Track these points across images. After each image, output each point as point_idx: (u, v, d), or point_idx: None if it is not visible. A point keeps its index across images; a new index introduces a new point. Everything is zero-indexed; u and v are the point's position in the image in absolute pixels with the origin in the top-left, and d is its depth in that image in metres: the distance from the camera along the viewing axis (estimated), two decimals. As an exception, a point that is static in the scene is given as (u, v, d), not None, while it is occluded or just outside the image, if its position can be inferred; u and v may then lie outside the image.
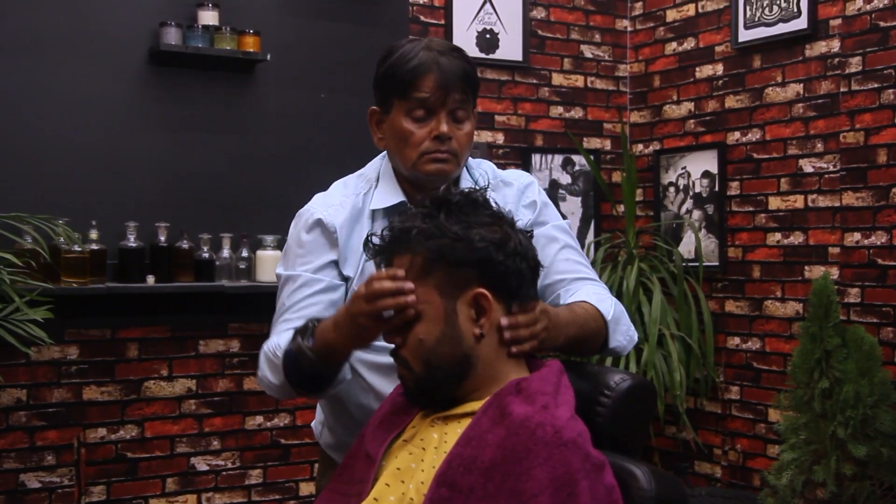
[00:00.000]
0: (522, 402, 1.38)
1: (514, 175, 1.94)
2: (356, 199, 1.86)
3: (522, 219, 1.80)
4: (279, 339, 1.76)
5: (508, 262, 1.45)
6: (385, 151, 1.90)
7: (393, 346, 1.51)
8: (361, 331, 1.54)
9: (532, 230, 1.62)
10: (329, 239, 1.83)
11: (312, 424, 2.09)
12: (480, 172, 1.92)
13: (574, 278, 1.85)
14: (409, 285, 1.45)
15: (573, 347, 1.69)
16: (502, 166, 2.03)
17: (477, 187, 1.52)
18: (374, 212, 1.85)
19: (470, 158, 1.92)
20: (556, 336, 1.58)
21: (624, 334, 1.80)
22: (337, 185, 1.92)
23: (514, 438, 1.33)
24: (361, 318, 1.51)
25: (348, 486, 1.50)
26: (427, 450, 1.43)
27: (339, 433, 1.95)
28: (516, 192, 1.91)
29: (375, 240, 1.53)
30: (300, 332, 1.66)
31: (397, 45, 1.82)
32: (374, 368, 1.83)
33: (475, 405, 1.43)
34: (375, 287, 1.47)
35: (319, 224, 1.83)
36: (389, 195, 1.85)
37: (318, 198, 1.89)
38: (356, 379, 1.84)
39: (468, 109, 1.81)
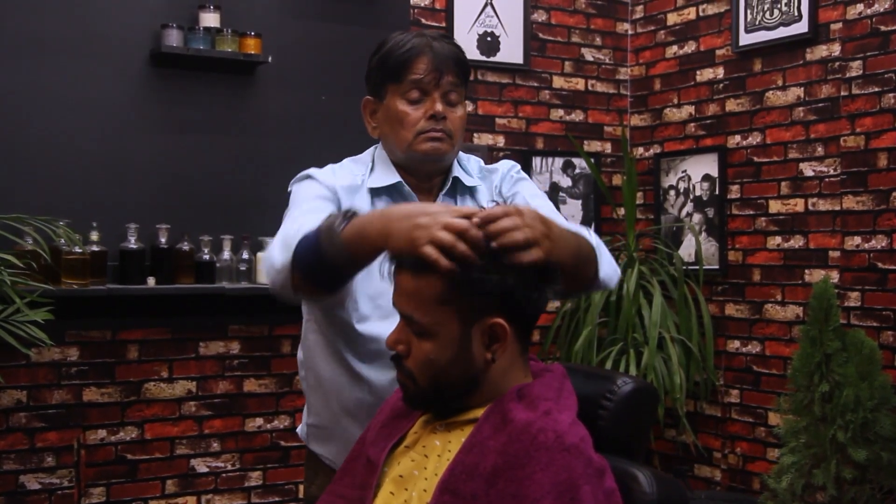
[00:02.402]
0: (524, 408, 1.38)
1: (499, 164, 2.00)
2: (353, 177, 1.89)
3: (507, 192, 1.89)
4: (303, 224, 1.64)
5: (532, 295, 1.42)
6: (378, 143, 1.93)
7: (393, 350, 1.48)
8: (409, 244, 1.41)
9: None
10: (330, 193, 1.84)
11: (298, 429, 2.06)
12: (471, 166, 1.97)
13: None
14: (475, 259, 1.38)
15: (574, 271, 1.64)
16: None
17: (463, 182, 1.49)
18: (371, 190, 1.87)
19: (461, 153, 1.95)
20: (563, 244, 1.51)
21: (609, 264, 1.80)
22: (331, 165, 1.94)
23: (515, 444, 1.33)
24: (424, 236, 1.39)
25: (349, 490, 1.50)
26: (430, 457, 1.42)
27: (328, 428, 1.93)
28: (501, 175, 1.96)
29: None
30: (336, 214, 1.58)
31: (390, 36, 1.87)
32: (366, 357, 1.82)
33: (478, 412, 1.42)
34: (464, 224, 1.38)
35: (318, 181, 1.86)
36: (385, 176, 1.88)
37: (313, 169, 1.92)
38: (349, 371, 1.84)
39: (461, 94, 1.85)
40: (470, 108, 4.25)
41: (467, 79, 1.88)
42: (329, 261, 1.55)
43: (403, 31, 1.87)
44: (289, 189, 1.93)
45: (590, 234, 1.77)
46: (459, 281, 1.37)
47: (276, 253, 1.65)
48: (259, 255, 3.66)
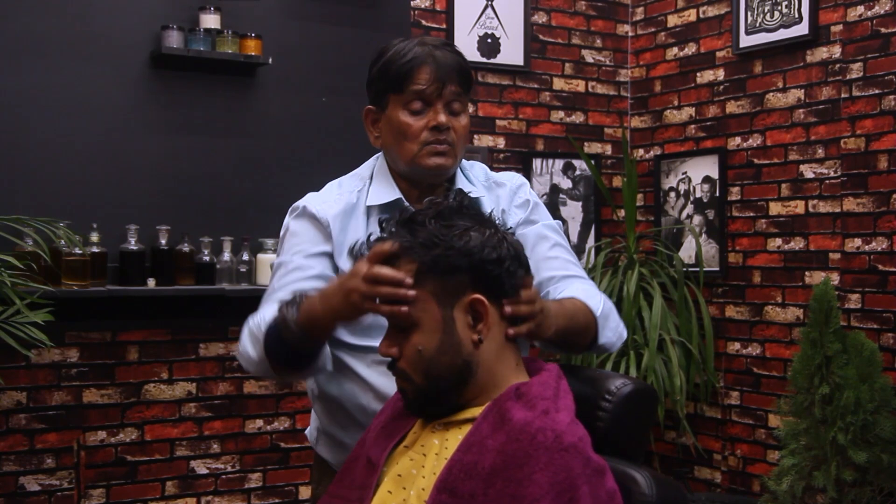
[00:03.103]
0: (522, 408, 1.37)
1: (507, 176, 1.96)
2: (350, 195, 1.87)
3: (515, 218, 1.86)
4: (265, 313, 1.75)
5: (502, 265, 1.44)
6: (380, 152, 1.92)
7: (390, 359, 1.49)
8: (350, 307, 1.51)
9: (514, 230, 1.66)
10: (321, 230, 1.83)
11: (307, 431, 2.06)
12: (474, 174, 1.94)
13: (564, 276, 1.86)
14: (409, 281, 1.42)
15: (563, 341, 1.69)
16: (503, 171, 2.04)
17: (465, 191, 1.51)
18: (369, 208, 1.85)
19: (463, 160, 1.93)
20: (547, 326, 1.56)
21: (613, 330, 1.80)
22: (331, 185, 1.93)
23: (514, 444, 1.33)
24: (355, 294, 1.48)
25: (349, 491, 1.50)
26: (428, 456, 1.42)
27: (337, 437, 1.91)
28: (509, 192, 1.93)
29: (365, 249, 1.50)
30: (287, 303, 1.64)
31: (390, 44, 1.84)
32: (373, 365, 1.80)
33: (476, 411, 1.42)
34: (378, 271, 1.45)
35: (310, 216, 1.85)
36: (385, 192, 1.85)
37: (310, 195, 1.91)
38: (354, 378, 1.83)
39: (464, 102, 1.83)
40: (470, 109, 4.24)
41: (470, 87, 1.85)
42: (295, 347, 1.65)
43: (404, 39, 1.85)
44: (285, 223, 1.92)
45: (600, 303, 1.78)
46: (427, 262, 1.42)
47: (249, 347, 1.76)
48: (259, 256, 3.66)
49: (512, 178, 1.96)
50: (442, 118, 1.78)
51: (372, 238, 1.51)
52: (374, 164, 1.92)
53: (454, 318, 1.42)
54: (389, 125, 1.83)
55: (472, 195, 1.86)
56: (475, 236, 1.43)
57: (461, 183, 1.88)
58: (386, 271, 1.43)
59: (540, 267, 1.83)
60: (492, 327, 1.44)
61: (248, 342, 1.76)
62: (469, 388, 1.44)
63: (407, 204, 1.82)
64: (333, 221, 1.82)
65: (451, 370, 1.43)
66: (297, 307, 1.61)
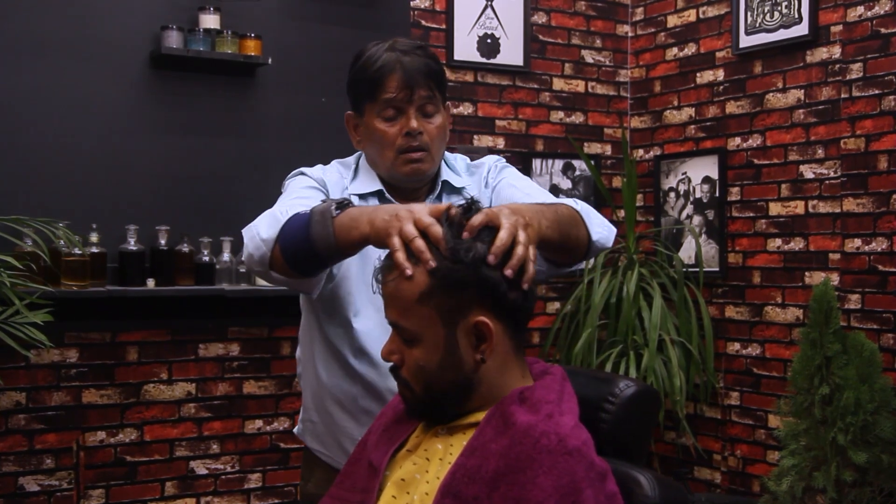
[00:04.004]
0: (526, 411, 1.37)
1: (484, 158, 2.04)
2: (340, 178, 1.94)
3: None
4: (293, 205, 1.72)
5: (504, 286, 1.39)
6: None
7: (391, 363, 1.47)
8: (384, 232, 1.45)
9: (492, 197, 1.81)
10: (321, 186, 1.90)
11: (295, 430, 2.08)
12: (458, 165, 2.00)
13: None
14: (433, 264, 1.37)
15: (565, 240, 1.65)
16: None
17: (472, 199, 1.47)
18: (353, 195, 1.90)
19: (446, 153, 1.97)
20: (539, 223, 1.52)
21: (601, 226, 1.79)
22: (320, 165, 1.99)
23: (518, 447, 1.32)
24: (395, 226, 1.42)
25: (350, 493, 1.49)
26: (431, 461, 1.42)
27: (321, 423, 1.95)
28: (487, 167, 2.00)
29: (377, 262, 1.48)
30: (337, 199, 1.63)
31: (364, 49, 1.88)
32: (360, 353, 1.84)
33: (479, 415, 1.41)
34: (431, 227, 1.38)
35: (308, 175, 1.93)
36: (367, 184, 1.91)
37: (303, 168, 1.98)
38: (343, 366, 1.86)
39: (436, 104, 1.87)
40: (470, 109, 4.25)
41: (443, 86, 1.89)
42: (314, 243, 1.59)
43: (378, 42, 1.88)
44: (282, 187, 1.99)
45: (575, 203, 1.78)
46: (434, 277, 1.37)
47: (263, 226, 1.69)
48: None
49: (488, 158, 2.03)
50: (413, 124, 1.83)
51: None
52: (358, 159, 1.98)
53: (457, 339, 1.39)
54: (367, 132, 1.88)
55: (456, 185, 1.94)
56: (482, 248, 1.38)
57: (446, 175, 1.95)
58: (435, 228, 1.39)
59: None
60: (496, 345, 1.40)
61: (265, 221, 1.70)
62: (471, 400, 1.43)
63: (388, 196, 1.90)
64: (330, 186, 1.91)
65: (452, 385, 1.41)
66: (343, 208, 1.59)
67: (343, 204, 1.61)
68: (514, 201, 1.76)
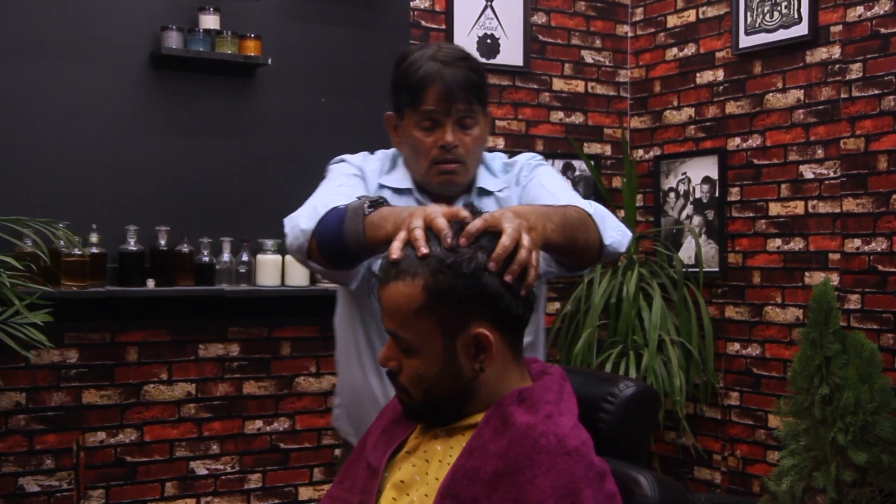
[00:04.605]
0: (525, 412, 1.36)
1: (519, 156, 2.06)
2: (380, 168, 1.99)
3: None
4: (334, 197, 1.77)
5: (509, 289, 1.38)
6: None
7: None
8: (393, 232, 1.46)
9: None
10: (361, 173, 1.96)
11: (332, 422, 2.13)
12: (495, 165, 2.02)
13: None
14: (425, 251, 1.37)
15: (570, 245, 1.64)
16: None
17: (471, 205, 1.46)
18: (383, 186, 1.94)
19: (485, 153, 2.00)
20: (543, 226, 1.49)
21: (615, 230, 1.78)
22: (363, 153, 2.05)
23: (516, 448, 1.32)
24: (408, 223, 1.41)
25: (350, 494, 1.49)
26: (431, 462, 1.42)
27: (349, 406, 2.01)
28: (519, 166, 2.01)
29: (375, 267, 1.49)
30: (371, 197, 1.66)
31: (408, 52, 1.90)
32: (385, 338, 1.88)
33: (479, 416, 1.41)
34: (439, 224, 1.38)
35: (348, 163, 1.99)
36: (401, 180, 1.95)
37: (346, 155, 2.03)
38: (370, 348, 1.91)
39: (475, 116, 1.88)
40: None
41: (483, 99, 1.90)
42: (346, 238, 1.65)
43: (423, 47, 1.89)
44: (325, 171, 2.03)
45: (590, 206, 1.77)
46: (434, 289, 1.35)
47: (304, 217, 1.77)
48: (259, 257, 3.66)
49: (523, 156, 2.05)
50: (449, 137, 1.84)
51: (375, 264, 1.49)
52: (398, 155, 2.01)
53: (456, 350, 1.38)
54: (405, 136, 1.91)
55: (490, 189, 1.96)
56: (482, 258, 1.36)
57: (482, 181, 1.96)
58: (439, 222, 1.39)
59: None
60: (496, 353, 1.39)
61: (307, 212, 1.77)
62: (470, 404, 1.42)
63: (418, 196, 1.92)
64: (368, 174, 1.96)
65: (451, 392, 1.40)
66: (375, 207, 1.63)
67: (377, 202, 1.64)
68: (540, 201, 1.79)
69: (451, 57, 1.85)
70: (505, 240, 1.37)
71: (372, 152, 2.03)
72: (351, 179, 1.93)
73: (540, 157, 2.06)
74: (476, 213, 1.43)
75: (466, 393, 1.41)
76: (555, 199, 1.81)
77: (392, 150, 2.02)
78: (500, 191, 1.97)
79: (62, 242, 3.12)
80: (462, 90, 1.83)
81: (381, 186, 1.93)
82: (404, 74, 1.86)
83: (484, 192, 1.96)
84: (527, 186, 1.96)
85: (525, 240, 1.38)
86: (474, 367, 1.39)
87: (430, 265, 1.36)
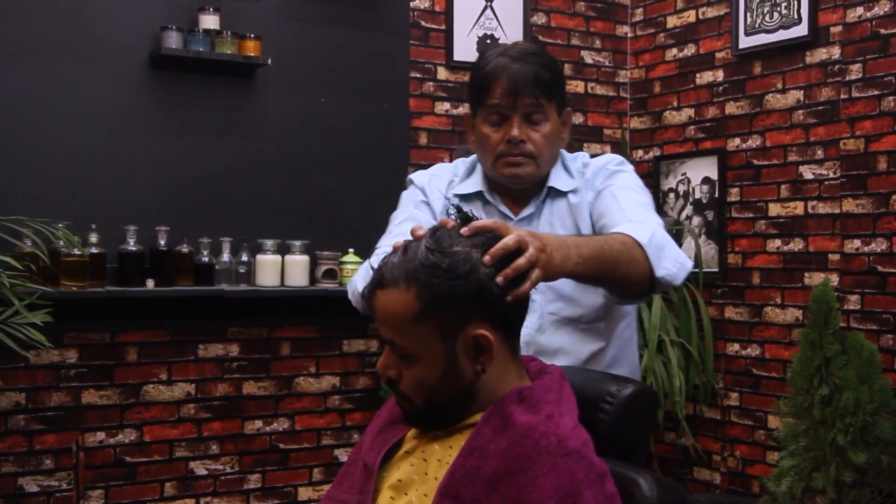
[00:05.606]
0: (525, 411, 1.36)
1: (601, 157, 2.02)
2: (448, 180, 2.03)
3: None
4: (384, 251, 1.76)
5: (503, 299, 1.37)
6: None
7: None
8: None
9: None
10: (422, 194, 2.01)
11: None
12: (574, 166, 2.00)
13: (620, 223, 1.78)
14: (421, 233, 1.41)
15: (604, 275, 1.61)
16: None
17: (466, 210, 1.43)
18: (456, 195, 1.96)
19: (566, 152, 2.00)
20: (556, 262, 1.45)
21: (672, 261, 1.70)
22: (439, 165, 2.11)
23: (517, 448, 1.32)
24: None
25: (348, 495, 1.49)
26: (429, 461, 1.41)
27: None
28: (594, 170, 1.98)
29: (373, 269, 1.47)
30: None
31: (485, 50, 1.98)
32: None
33: (478, 416, 1.41)
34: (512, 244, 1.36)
35: (413, 184, 2.05)
36: (471, 185, 1.98)
37: (415, 173, 2.09)
38: None
39: (544, 112, 1.88)
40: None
41: (554, 93, 1.89)
42: None
43: (496, 45, 1.95)
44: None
45: (648, 234, 1.69)
46: (430, 294, 1.34)
47: (360, 278, 1.84)
48: (258, 257, 3.66)
49: (602, 158, 2.01)
50: (515, 132, 1.86)
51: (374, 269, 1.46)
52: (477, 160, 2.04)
53: (457, 352, 1.37)
54: (477, 132, 1.93)
55: (563, 190, 1.94)
56: (476, 256, 1.35)
57: (554, 180, 1.95)
58: (422, 232, 1.41)
59: (604, 226, 1.83)
60: (496, 354, 1.38)
61: (362, 274, 1.83)
62: (471, 408, 1.42)
63: (489, 197, 1.95)
64: (429, 189, 2.01)
65: (452, 396, 1.39)
66: None
67: None
68: (609, 214, 1.80)
69: (521, 52, 1.87)
70: (508, 240, 1.36)
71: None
72: (414, 210, 1.97)
73: (621, 160, 2.00)
74: (471, 217, 1.41)
75: (468, 395, 1.40)
76: (624, 214, 1.79)
77: (473, 157, 2.03)
78: (572, 191, 1.94)
79: (62, 242, 3.12)
80: (528, 85, 1.84)
81: (448, 198, 1.96)
82: (475, 70, 1.90)
83: (556, 193, 1.94)
84: (601, 194, 1.92)
85: (531, 252, 1.36)
86: (475, 368, 1.38)
87: (424, 270, 1.35)
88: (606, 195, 1.90)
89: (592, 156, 2.06)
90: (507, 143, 1.86)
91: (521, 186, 1.93)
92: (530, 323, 1.91)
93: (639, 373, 2.17)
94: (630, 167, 1.99)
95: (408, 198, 2.02)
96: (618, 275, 1.64)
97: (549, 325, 1.94)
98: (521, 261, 1.36)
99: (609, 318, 1.96)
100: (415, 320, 1.35)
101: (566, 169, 1.98)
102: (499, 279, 1.35)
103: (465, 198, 1.95)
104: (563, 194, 1.95)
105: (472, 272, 1.34)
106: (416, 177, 2.06)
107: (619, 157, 2.00)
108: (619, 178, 1.94)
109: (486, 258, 1.34)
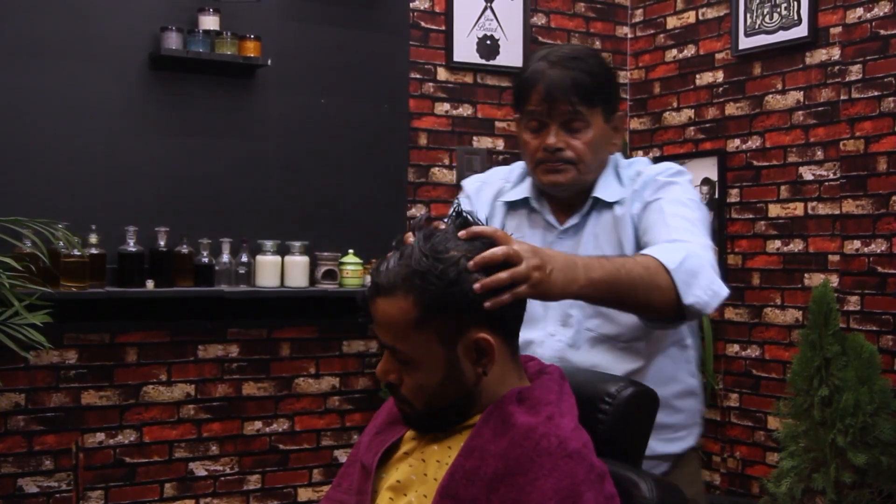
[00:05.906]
0: (525, 412, 1.36)
1: (656, 166, 1.91)
2: (499, 186, 1.98)
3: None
4: None
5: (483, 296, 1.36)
6: None
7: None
8: None
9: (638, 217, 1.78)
10: (468, 203, 1.97)
11: None
12: (627, 173, 1.90)
13: (658, 242, 1.72)
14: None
15: (622, 301, 1.56)
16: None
17: (463, 210, 1.42)
18: (507, 203, 1.95)
19: (621, 157, 1.92)
20: (570, 279, 1.43)
21: (704, 289, 1.61)
22: (496, 168, 2.07)
23: (517, 449, 1.31)
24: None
25: (347, 496, 1.49)
26: (428, 462, 1.41)
27: None
28: (644, 180, 1.86)
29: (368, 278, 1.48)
30: None
31: (533, 51, 1.95)
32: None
33: (477, 418, 1.41)
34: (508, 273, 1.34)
35: (463, 191, 2.04)
36: (518, 191, 1.95)
37: (470, 178, 2.07)
38: None
39: (584, 119, 1.80)
40: (469, 111, 4.25)
41: (596, 99, 1.80)
42: None
43: (543, 47, 1.88)
44: None
45: (679, 258, 1.61)
46: (427, 300, 1.33)
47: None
48: (258, 258, 3.66)
49: (656, 167, 1.89)
50: (551, 140, 1.81)
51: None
52: None
53: (458, 356, 1.36)
54: (519, 138, 1.91)
55: (609, 201, 1.86)
56: (463, 262, 1.34)
57: (600, 190, 1.86)
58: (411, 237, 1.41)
59: (647, 242, 1.75)
60: (496, 357, 1.38)
61: None
62: (471, 410, 1.42)
63: (535, 203, 1.91)
64: (479, 197, 1.98)
65: (454, 400, 1.39)
66: None
67: None
68: (653, 230, 1.73)
69: (561, 57, 1.80)
70: (497, 250, 1.34)
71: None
72: None
73: (678, 169, 1.88)
74: (472, 221, 1.40)
75: (469, 398, 1.40)
76: (668, 232, 1.71)
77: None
78: (618, 202, 1.85)
79: (61, 243, 3.12)
80: (564, 92, 1.77)
81: (506, 203, 1.95)
82: (517, 74, 1.88)
83: (601, 204, 1.86)
84: (648, 207, 1.81)
85: (521, 268, 1.34)
86: (476, 371, 1.38)
87: (419, 276, 1.34)
88: (654, 209, 1.80)
89: (654, 161, 1.96)
90: (545, 151, 1.81)
91: (564, 193, 1.87)
92: (564, 337, 1.86)
93: (695, 395, 2.11)
94: (686, 178, 1.87)
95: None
96: (636, 300, 1.58)
97: (585, 342, 1.85)
98: (503, 275, 1.33)
99: (651, 338, 1.86)
100: (415, 327, 1.35)
101: (617, 176, 1.89)
102: (476, 286, 1.33)
103: (512, 205, 1.91)
104: (608, 205, 1.86)
105: (461, 276, 1.33)
106: (468, 183, 2.02)
107: (676, 167, 1.89)
108: (670, 190, 1.82)
109: (471, 264, 1.33)
